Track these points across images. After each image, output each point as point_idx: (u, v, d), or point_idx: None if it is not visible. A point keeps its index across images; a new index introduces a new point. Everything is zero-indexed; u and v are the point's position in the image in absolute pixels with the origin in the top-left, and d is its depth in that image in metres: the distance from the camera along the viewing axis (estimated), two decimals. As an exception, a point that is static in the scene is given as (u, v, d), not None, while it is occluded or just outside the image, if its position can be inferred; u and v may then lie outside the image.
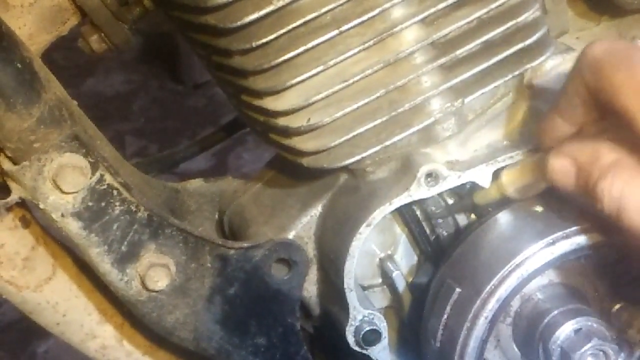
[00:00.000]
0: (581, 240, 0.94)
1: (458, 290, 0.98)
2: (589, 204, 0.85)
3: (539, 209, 0.99)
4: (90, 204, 1.01)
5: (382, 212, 1.01)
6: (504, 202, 1.01)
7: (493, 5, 1.00)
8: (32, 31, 1.13)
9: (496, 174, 1.01)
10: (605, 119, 0.87)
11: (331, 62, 0.98)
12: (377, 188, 1.04)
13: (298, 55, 0.97)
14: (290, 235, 1.11)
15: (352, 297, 1.04)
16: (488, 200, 1.02)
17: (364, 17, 0.97)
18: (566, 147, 0.88)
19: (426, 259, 1.09)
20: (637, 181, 0.81)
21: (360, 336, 1.06)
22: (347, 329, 1.06)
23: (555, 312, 0.98)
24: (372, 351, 1.07)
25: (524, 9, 1.01)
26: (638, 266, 0.99)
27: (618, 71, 0.81)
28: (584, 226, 0.95)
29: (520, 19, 1.01)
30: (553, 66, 1.09)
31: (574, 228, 0.94)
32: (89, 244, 1.03)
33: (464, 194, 1.04)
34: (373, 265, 1.11)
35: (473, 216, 1.06)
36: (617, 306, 1.03)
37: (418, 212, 1.06)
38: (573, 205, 0.96)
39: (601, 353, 0.95)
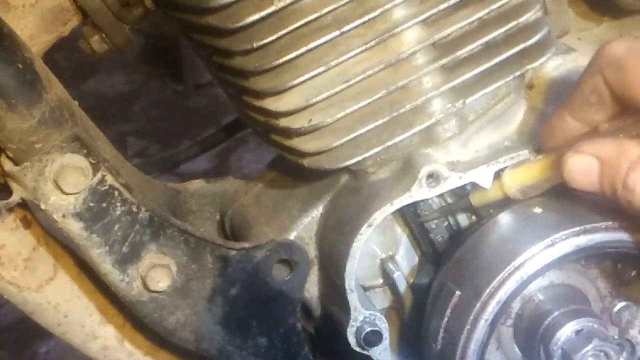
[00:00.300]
0: (581, 241, 0.94)
1: (458, 293, 0.98)
2: (612, 200, 0.84)
3: (538, 210, 0.99)
4: (91, 204, 1.01)
5: (383, 212, 1.01)
6: (503, 203, 1.01)
7: (494, 6, 1.00)
8: (34, 32, 1.13)
9: (496, 175, 1.01)
10: (625, 116, 0.87)
11: (332, 63, 0.98)
12: (378, 189, 1.04)
13: (299, 55, 0.97)
14: (292, 236, 1.11)
15: (353, 298, 1.04)
16: (487, 201, 1.01)
17: (365, 18, 0.97)
18: (585, 144, 0.87)
19: (427, 260, 1.09)
20: None
21: (362, 337, 1.06)
22: (348, 329, 1.06)
23: (556, 313, 0.97)
24: (373, 352, 1.07)
25: (525, 10, 1.01)
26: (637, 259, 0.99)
27: None
28: (584, 227, 0.94)
29: (521, 20, 1.01)
30: (554, 67, 1.09)
31: (573, 229, 0.94)
32: (90, 245, 1.03)
33: (462, 195, 1.04)
34: (374, 266, 1.11)
35: (473, 218, 1.06)
36: (618, 306, 1.03)
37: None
38: (573, 206, 0.96)
39: (602, 354, 0.95)
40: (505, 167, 1.00)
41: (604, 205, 0.92)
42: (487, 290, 0.95)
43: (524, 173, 0.98)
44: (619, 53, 0.84)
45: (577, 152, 0.87)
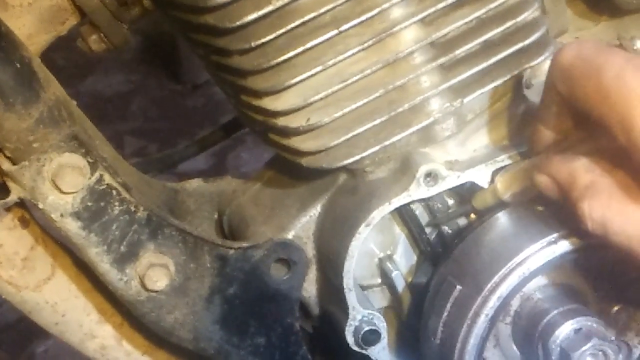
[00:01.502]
0: (583, 239, 0.94)
1: (459, 287, 0.98)
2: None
3: (540, 207, 0.99)
4: (89, 203, 1.01)
5: (381, 212, 1.01)
6: (502, 206, 1.01)
7: (492, 5, 1.00)
8: (31, 31, 1.13)
9: (493, 177, 1.01)
10: (585, 125, 0.87)
11: (330, 62, 0.98)
12: (376, 188, 1.04)
13: (297, 55, 0.97)
14: (290, 235, 1.11)
15: (351, 297, 1.04)
16: (487, 205, 1.02)
17: (363, 17, 0.97)
18: (547, 164, 0.89)
19: (425, 259, 1.09)
20: (615, 204, 0.81)
21: (360, 336, 1.06)
22: (346, 329, 1.06)
23: (555, 311, 0.98)
24: (372, 351, 1.07)
25: (523, 9, 1.01)
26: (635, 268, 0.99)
27: (588, 79, 0.80)
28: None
29: (519, 19, 1.01)
30: (552, 66, 1.09)
31: (576, 227, 0.94)
32: (88, 244, 1.03)
33: (464, 200, 1.04)
34: (372, 265, 1.11)
35: (473, 215, 1.06)
36: (616, 308, 1.03)
37: (418, 212, 1.06)
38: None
39: (600, 353, 0.95)
40: (501, 171, 1.00)
41: None
42: (489, 285, 0.95)
43: (514, 178, 0.98)
44: (566, 62, 0.83)
45: (541, 170, 0.89)
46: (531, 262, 0.95)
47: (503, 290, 0.95)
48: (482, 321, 0.96)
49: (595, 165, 0.83)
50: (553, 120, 0.90)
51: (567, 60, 0.83)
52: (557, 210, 0.97)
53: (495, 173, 1.01)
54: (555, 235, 0.94)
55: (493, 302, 0.96)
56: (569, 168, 0.85)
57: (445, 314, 1.00)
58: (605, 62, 0.79)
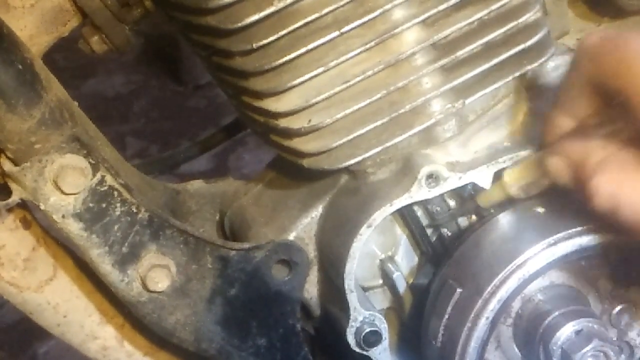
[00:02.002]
0: (583, 241, 0.94)
1: (459, 290, 0.98)
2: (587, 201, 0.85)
3: (540, 209, 0.99)
4: (91, 205, 1.01)
5: (382, 213, 1.01)
6: (507, 203, 1.01)
7: (494, 7, 1.00)
8: (33, 32, 1.13)
9: (497, 175, 1.01)
10: (605, 107, 0.87)
11: (332, 63, 0.98)
12: (377, 189, 1.04)
13: (299, 56, 0.97)
14: (291, 236, 1.11)
15: (352, 298, 1.04)
16: (492, 201, 1.01)
17: (365, 18, 0.97)
18: (560, 145, 0.89)
19: (427, 260, 1.09)
20: (628, 178, 0.81)
21: (361, 337, 1.06)
22: (347, 330, 1.06)
23: (556, 313, 0.98)
24: (373, 352, 1.07)
25: (525, 11, 1.01)
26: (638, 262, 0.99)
27: (614, 54, 0.82)
28: (586, 227, 0.94)
29: (521, 20, 1.01)
30: (554, 67, 1.09)
31: (575, 229, 0.94)
32: (90, 245, 1.03)
33: (467, 198, 1.04)
34: (374, 266, 1.11)
35: (474, 217, 1.06)
36: (618, 308, 1.03)
37: (419, 213, 1.06)
38: (575, 205, 0.96)
39: (602, 354, 0.95)
40: (505, 168, 1.00)
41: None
42: (489, 288, 0.95)
43: (521, 170, 0.98)
44: (592, 44, 0.85)
45: (554, 151, 0.89)
46: (531, 264, 0.95)
47: (504, 292, 0.95)
48: (482, 324, 0.96)
49: (609, 145, 0.84)
50: (571, 104, 0.91)
51: (594, 41, 0.86)
52: (557, 212, 0.97)
53: (497, 174, 1.01)
54: (555, 237, 0.94)
55: (494, 305, 0.96)
56: (584, 145, 0.86)
57: (446, 316, 1.00)
58: (629, 38, 0.82)
